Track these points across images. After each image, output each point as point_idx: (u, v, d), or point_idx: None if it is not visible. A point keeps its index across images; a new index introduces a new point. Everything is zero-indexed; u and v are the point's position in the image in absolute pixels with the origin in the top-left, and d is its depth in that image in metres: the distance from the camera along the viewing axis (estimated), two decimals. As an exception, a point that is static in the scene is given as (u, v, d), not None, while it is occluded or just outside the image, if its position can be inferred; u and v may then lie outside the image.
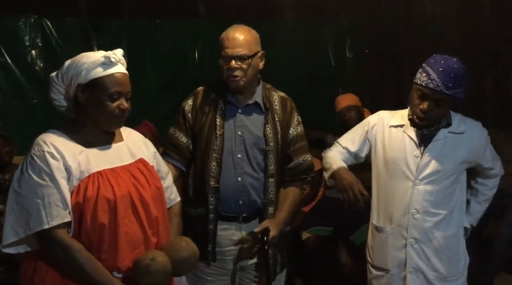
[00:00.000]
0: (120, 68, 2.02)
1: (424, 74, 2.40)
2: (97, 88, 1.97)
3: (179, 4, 5.87)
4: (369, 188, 3.83)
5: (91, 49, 5.09)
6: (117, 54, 2.01)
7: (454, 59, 2.44)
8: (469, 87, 2.50)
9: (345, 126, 4.13)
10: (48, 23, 5.21)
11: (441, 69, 2.38)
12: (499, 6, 5.29)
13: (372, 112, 2.95)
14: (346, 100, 4.24)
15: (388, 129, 2.61)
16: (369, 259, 2.75)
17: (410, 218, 2.52)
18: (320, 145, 4.36)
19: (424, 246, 2.54)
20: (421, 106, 2.42)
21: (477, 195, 2.68)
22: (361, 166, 3.94)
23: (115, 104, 1.99)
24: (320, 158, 4.36)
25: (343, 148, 2.75)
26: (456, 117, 2.55)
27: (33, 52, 5.13)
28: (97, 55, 1.99)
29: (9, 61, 5.03)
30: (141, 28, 5.64)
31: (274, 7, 6.29)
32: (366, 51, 6.63)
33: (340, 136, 4.14)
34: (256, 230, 2.50)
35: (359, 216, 3.85)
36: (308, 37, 6.46)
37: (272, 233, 2.48)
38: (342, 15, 6.67)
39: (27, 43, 5.10)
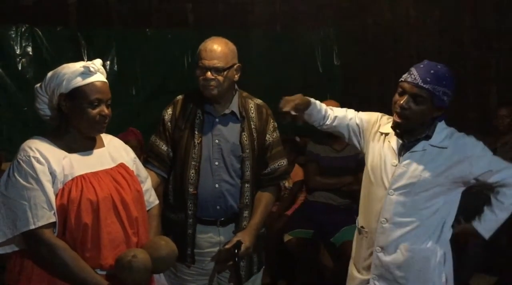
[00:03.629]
0: (99, 77, 2.11)
1: (407, 73, 2.40)
2: (78, 96, 2.06)
3: (168, 13, 5.95)
4: (349, 192, 4.00)
5: (81, 58, 5.18)
6: (96, 63, 2.11)
7: (441, 63, 2.40)
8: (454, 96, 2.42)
9: (327, 133, 4.22)
10: (39, 32, 5.27)
11: (422, 66, 2.38)
12: (481, 15, 5.41)
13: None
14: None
15: (377, 134, 2.60)
16: (352, 255, 2.75)
17: (379, 226, 2.49)
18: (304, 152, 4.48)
19: (389, 256, 2.49)
20: (399, 101, 2.39)
21: (491, 203, 2.50)
22: (343, 170, 4.10)
23: (96, 110, 2.08)
24: (303, 166, 4.50)
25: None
26: (444, 131, 2.47)
27: (24, 60, 5.19)
28: (77, 66, 2.09)
29: (0, 69, 5.11)
30: (130, 37, 5.71)
31: (262, 16, 6.37)
32: (352, 58, 6.74)
33: (321, 143, 4.28)
34: (227, 246, 2.59)
35: (339, 219, 4.00)
36: (296, 45, 6.56)
37: (246, 244, 2.59)
38: (329, 23, 6.79)
39: (18, 52, 5.17)
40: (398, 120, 2.41)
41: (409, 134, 2.46)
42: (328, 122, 2.67)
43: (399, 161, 2.47)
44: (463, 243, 2.68)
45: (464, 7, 5.51)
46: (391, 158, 2.50)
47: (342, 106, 4.16)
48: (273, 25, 6.57)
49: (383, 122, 2.61)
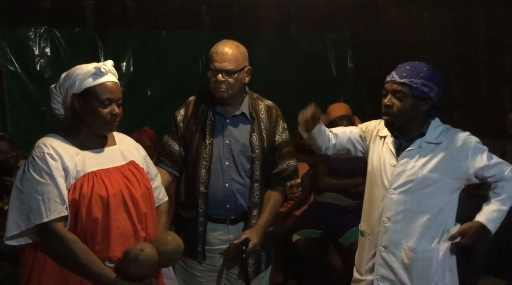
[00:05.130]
0: (110, 77, 2.19)
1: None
2: (90, 96, 2.15)
3: (184, 15, 6.04)
4: (357, 193, 4.03)
5: (97, 58, 5.28)
6: (107, 64, 2.19)
7: (422, 62, 2.50)
8: (445, 91, 2.49)
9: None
10: (57, 33, 5.40)
11: (400, 65, 2.50)
12: (493, 18, 5.41)
13: (368, 120, 2.95)
14: (338, 109, 4.31)
15: (377, 139, 2.68)
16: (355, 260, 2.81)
17: (381, 226, 2.55)
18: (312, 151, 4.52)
19: (392, 256, 2.54)
20: (383, 101, 2.50)
21: (489, 198, 2.53)
22: (352, 172, 4.14)
23: (107, 110, 2.16)
24: (312, 165, 4.55)
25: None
26: (439, 128, 2.54)
27: (42, 61, 5.32)
28: (89, 67, 2.17)
29: (19, 69, 5.22)
30: (146, 39, 5.82)
31: (277, 18, 6.43)
32: (366, 62, 6.77)
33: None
34: (235, 242, 2.65)
35: (348, 220, 4.03)
36: (311, 48, 6.61)
37: (253, 241, 2.64)
38: (343, 26, 6.82)
39: (36, 53, 5.30)
40: (385, 117, 2.52)
41: (404, 133, 2.55)
42: (332, 142, 2.72)
43: (397, 161, 2.55)
44: (468, 245, 2.70)
45: (477, 9, 5.51)
46: (390, 159, 2.58)
47: (354, 110, 4.25)
48: (287, 28, 6.62)
49: (381, 127, 2.69)
